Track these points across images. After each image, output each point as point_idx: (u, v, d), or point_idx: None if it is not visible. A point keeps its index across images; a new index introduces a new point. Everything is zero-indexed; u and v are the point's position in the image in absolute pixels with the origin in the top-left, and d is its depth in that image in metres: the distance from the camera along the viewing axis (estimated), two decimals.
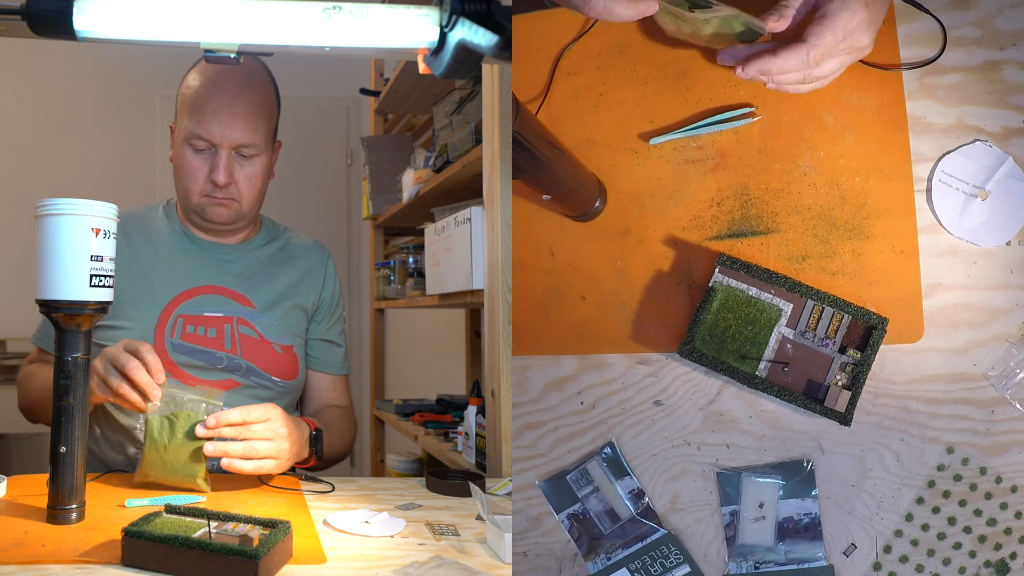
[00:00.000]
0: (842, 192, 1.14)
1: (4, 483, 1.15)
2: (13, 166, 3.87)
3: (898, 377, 1.09)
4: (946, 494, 1.06)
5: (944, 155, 1.12)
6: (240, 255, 1.55)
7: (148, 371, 1.17)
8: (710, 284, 1.14)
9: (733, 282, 1.14)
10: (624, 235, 1.20)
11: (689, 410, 1.13)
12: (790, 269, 1.14)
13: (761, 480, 1.09)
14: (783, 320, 1.12)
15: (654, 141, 1.18)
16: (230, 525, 0.95)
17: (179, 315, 1.45)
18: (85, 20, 0.90)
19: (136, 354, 1.18)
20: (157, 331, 1.43)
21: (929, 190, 1.12)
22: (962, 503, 1.06)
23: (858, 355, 1.09)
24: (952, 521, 1.06)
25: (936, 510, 1.06)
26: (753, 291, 1.13)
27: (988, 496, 1.06)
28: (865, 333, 1.09)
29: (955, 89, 1.12)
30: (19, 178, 3.84)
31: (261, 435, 1.21)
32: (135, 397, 1.17)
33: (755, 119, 1.16)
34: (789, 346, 1.12)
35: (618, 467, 1.12)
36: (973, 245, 1.11)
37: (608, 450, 1.12)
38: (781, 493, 1.09)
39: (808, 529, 1.08)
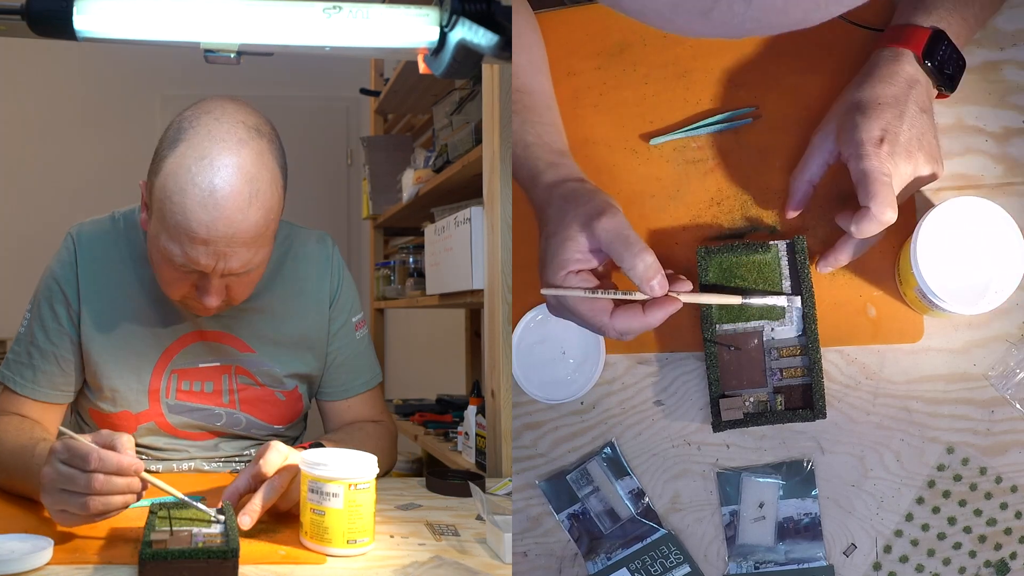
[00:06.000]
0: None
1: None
2: (13, 166, 3.87)
3: (898, 377, 1.09)
4: (946, 494, 1.06)
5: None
6: None
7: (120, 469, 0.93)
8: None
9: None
10: None
11: (689, 410, 1.13)
12: None
13: (761, 480, 1.09)
14: None
15: (654, 141, 1.18)
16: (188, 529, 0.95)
17: (172, 371, 1.30)
18: (85, 20, 0.90)
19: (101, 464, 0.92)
20: (151, 393, 1.29)
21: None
22: (962, 503, 1.06)
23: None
24: (952, 521, 1.06)
25: (936, 510, 1.06)
26: None
27: (988, 496, 1.06)
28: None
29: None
30: (19, 178, 3.85)
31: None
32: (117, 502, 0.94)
33: (755, 119, 1.16)
34: None
35: (618, 467, 1.12)
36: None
37: (608, 450, 1.12)
38: (781, 493, 1.09)
39: (808, 529, 1.08)
